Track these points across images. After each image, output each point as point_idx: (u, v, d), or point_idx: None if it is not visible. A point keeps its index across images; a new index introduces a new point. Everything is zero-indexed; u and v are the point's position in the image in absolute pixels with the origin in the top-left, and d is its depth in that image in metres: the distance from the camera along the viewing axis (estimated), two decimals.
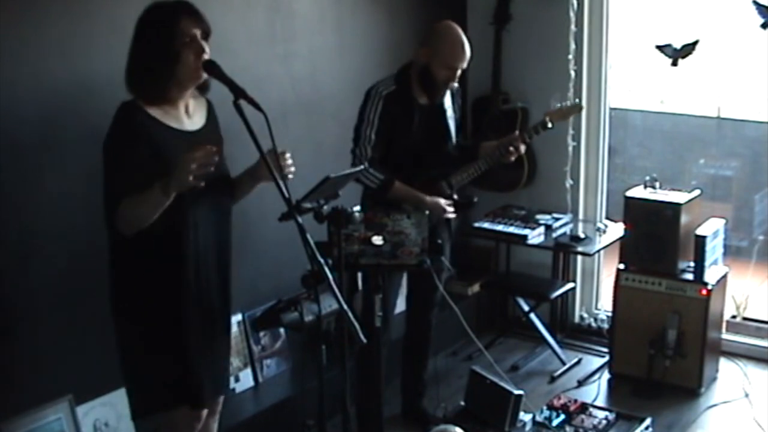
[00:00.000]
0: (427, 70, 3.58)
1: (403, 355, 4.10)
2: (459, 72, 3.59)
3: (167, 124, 2.69)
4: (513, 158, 3.74)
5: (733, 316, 4.90)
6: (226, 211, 2.91)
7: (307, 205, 2.76)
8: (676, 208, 4.33)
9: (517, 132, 3.78)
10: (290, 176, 2.75)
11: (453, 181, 3.71)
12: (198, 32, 2.67)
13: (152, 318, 2.76)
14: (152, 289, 2.74)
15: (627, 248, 4.48)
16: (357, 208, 3.30)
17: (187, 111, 2.77)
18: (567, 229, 4.85)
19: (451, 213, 3.67)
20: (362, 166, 3.27)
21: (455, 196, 3.73)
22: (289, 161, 2.76)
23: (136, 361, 2.82)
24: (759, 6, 4.47)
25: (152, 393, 2.83)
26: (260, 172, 2.86)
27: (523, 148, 3.73)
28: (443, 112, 3.72)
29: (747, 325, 4.90)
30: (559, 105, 3.79)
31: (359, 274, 3.13)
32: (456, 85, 3.74)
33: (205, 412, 2.93)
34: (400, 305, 4.11)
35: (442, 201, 3.64)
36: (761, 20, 4.48)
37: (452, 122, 3.76)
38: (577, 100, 3.86)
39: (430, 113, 3.68)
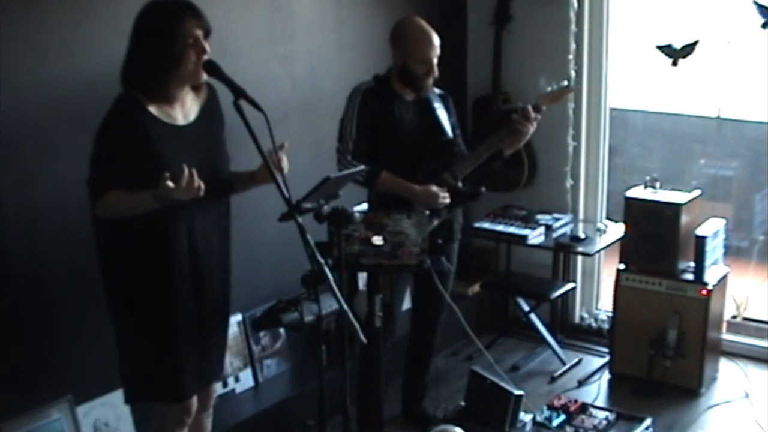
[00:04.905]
0: (405, 67, 3.62)
1: (406, 356, 4.10)
2: (435, 61, 3.61)
3: (161, 119, 2.70)
4: (517, 138, 3.67)
5: (734, 317, 4.90)
6: (223, 206, 2.92)
7: (307, 205, 2.76)
8: (676, 208, 4.32)
9: (514, 115, 3.70)
10: (285, 170, 2.75)
11: (456, 171, 3.70)
12: (201, 33, 2.67)
13: (138, 309, 2.78)
14: (136, 279, 2.76)
15: (627, 248, 4.48)
16: (359, 207, 3.30)
17: (182, 106, 2.78)
18: (567, 229, 4.85)
19: (445, 200, 3.65)
20: (362, 166, 3.27)
21: (460, 185, 3.71)
22: (284, 160, 2.75)
23: (126, 348, 2.85)
24: (759, 6, 4.47)
25: (139, 382, 2.87)
26: (260, 177, 2.88)
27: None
28: (432, 108, 3.73)
29: (747, 325, 4.89)
30: (550, 88, 3.74)
31: (363, 275, 3.12)
32: (437, 90, 3.77)
33: (194, 406, 2.93)
34: (406, 303, 4.09)
35: (434, 188, 3.63)
36: (761, 20, 4.48)
37: (445, 120, 3.76)
38: (566, 82, 3.81)
39: (417, 108, 3.70)
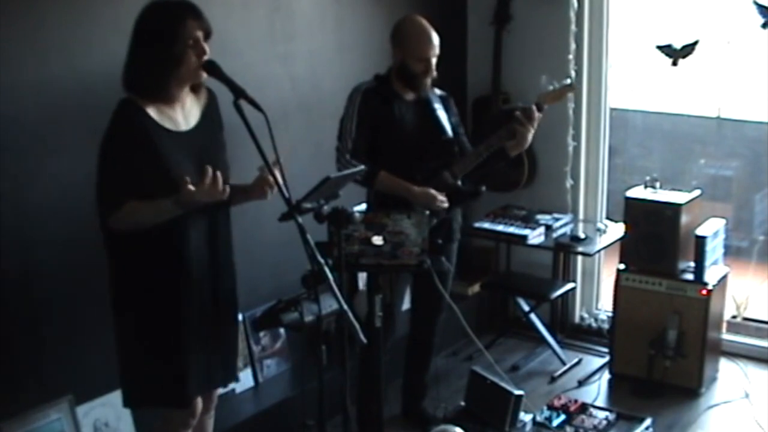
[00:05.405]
0: (404, 66, 3.63)
1: (405, 356, 4.10)
2: (434, 61, 3.62)
3: (163, 125, 2.70)
4: (521, 135, 3.63)
5: (734, 317, 4.90)
6: (225, 208, 2.91)
7: (307, 205, 2.76)
8: (676, 208, 4.32)
9: (518, 112, 3.66)
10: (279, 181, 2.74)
11: (456, 170, 3.70)
12: (201, 34, 2.67)
13: (145, 314, 2.78)
14: (147, 285, 2.76)
15: (627, 248, 4.48)
16: (359, 207, 3.29)
17: (183, 109, 2.78)
18: (567, 229, 4.85)
19: (443, 203, 3.64)
20: (361, 166, 3.27)
21: (459, 183, 3.71)
22: (278, 175, 2.73)
23: (129, 353, 2.84)
24: (759, 6, 4.47)
25: (141, 387, 2.86)
26: (254, 193, 2.88)
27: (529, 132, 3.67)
28: (431, 108, 3.74)
29: (747, 325, 4.89)
30: (551, 87, 3.72)
31: (363, 275, 3.12)
32: (439, 91, 3.77)
33: (199, 408, 2.94)
34: (405, 303, 4.09)
35: (432, 191, 3.62)
36: (761, 20, 4.48)
37: (445, 120, 3.76)
38: (568, 80, 3.80)
39: (417, 108, 3.70)
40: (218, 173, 2.53)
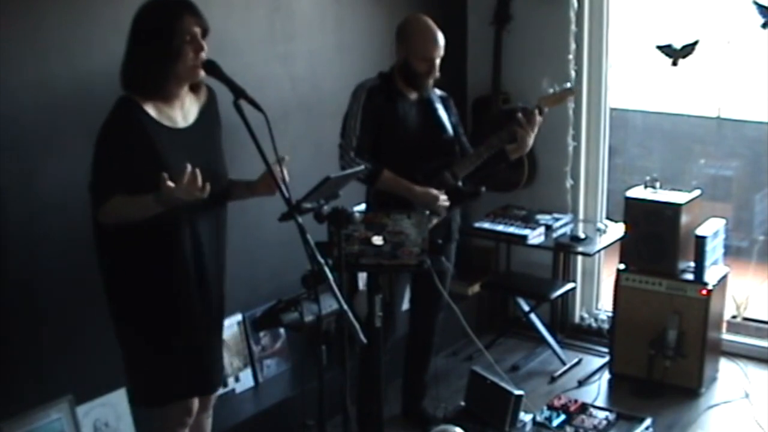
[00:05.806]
0: (407, 64, 3.63)
1: (405, 356, 4.10)
2: (437, 61, 3.62)
3: (161, 122, 2.70)
4: (521, 138, 3.64)
5: (734, 317, 4.90)
6: (222, 212, 2.91)
7: (308, 205, 2.76)
8: (676, 208, 4.32)
9: (519, 114, 3.66)
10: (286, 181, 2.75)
11: (456, 170, 3.70)
12: (198, 30, 2.68)
13: (140, 312, 2.78)
14: (141, 282, 2.76)
15: (627, 248, 4.48)
16: (359, 207, 3.29)
17: (182, 107, 2.78)
18: (567, 229, 4.85)
19: (444, 203, 3.65)
20: (362, 166, 3.27)
21: (459, 184, 3.71)
22: (285, 173, 2.74)
23: (128, 351, 2.85)
24: (759, 6, 4.47)
25: (142, 384, 2.88)
26: (258, 189, 2.87)
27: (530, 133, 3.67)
28: (433, 108, 3.74)
29: (747, 325, 4.89)
30: (551, 90, 3.73)
31: (363, 275, 3.12)
32: (438, 92, 3.78)
33: (195, 406, 2.94)
34: (406, 303, 4.09)
35: (434, 191, 3.63)
36: (761, 20, 4.48)
37: (446, 120, 3.77)
38: (568, 84, 3.81)
39: (419, 107, 3.71)
40: (197, 171, 2.51)
